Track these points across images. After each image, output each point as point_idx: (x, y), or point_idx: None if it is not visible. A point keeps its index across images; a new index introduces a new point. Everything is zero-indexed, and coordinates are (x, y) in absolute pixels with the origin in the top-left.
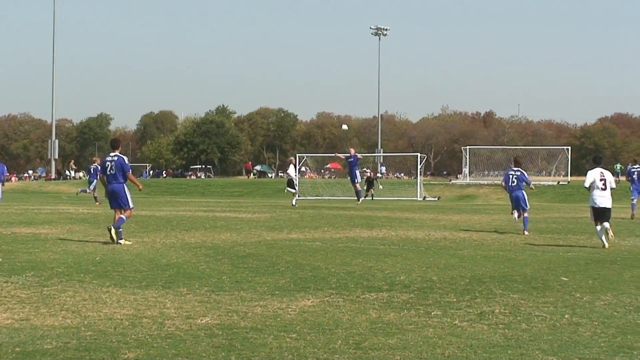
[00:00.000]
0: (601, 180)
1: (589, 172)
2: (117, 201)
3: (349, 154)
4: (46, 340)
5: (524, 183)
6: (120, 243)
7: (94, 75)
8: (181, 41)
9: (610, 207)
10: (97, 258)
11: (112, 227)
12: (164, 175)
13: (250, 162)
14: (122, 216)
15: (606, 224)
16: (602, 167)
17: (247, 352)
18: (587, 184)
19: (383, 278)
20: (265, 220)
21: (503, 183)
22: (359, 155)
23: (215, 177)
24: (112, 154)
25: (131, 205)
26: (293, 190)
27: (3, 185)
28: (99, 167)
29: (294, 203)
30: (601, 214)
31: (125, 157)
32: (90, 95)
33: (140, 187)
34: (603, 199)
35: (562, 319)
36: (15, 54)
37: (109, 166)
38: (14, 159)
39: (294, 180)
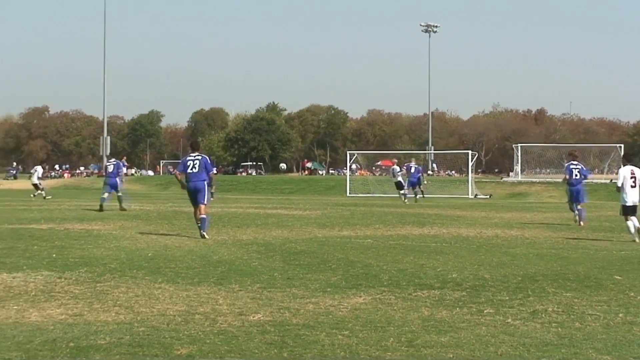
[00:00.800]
0: (631, 177)
1: (620, 170)
2: (199, 198)
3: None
4: (100, 336)
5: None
6: (205, 237)
7: (145, 73)
8: (233, 39)
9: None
10: (149, 254)
11: (203, 231)
12: (215, 172)
13: (307, 160)
14: (204, 215)
15: (635, 220)
16: (632, 165)
17: (299, 349)
18: (619, 183)
19: (435, 276)
20: (316, 217)
21: (567, 176)
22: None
23: (266, 174)
24: (194, 154)
25: (206, 202)
26: (403, 191)
27: (122, 182)
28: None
29: (406, 201)
30: (631, 210)
31: (208, 157)
32: (142, 92)
33: (214, 189)
34: (633, 196)
35: (615, 318)
36: (67, 52)
37: (191, 165)
38: (67, 155)
39: (403, 181)
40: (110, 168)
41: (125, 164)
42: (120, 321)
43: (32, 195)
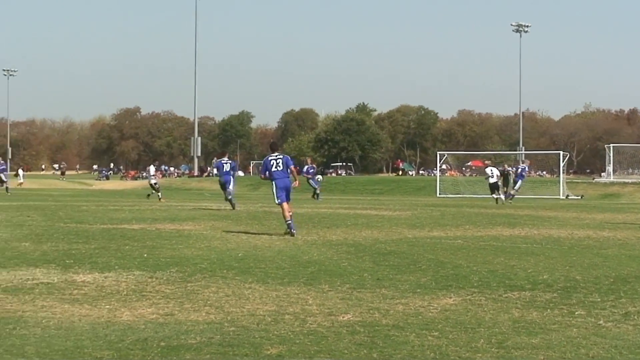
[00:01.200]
0: None
1: None
2: (288, 194)
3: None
4: (190, 335)
5: None
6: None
7: (236, 73)
8: (321, 40)
9: None
10: (239, 254)
11: (291, 226)
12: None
13: (400, 160)
14: (291, 212)
15: None
16: None
17: (389, 349)
18: None
19: (525, 277)
20: (406, 218)
21: None
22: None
23: (356, 175)
24: (274, 154)
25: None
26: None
27: (235, 183)
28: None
29: (504, 200)
30: None
31: (289, 156)
32: (232, 93)
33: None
34: None
35: None
36: (158, 53)
37: (274, 164)
38: (158, 156)
39: (498, 182)
40: (227, 167)
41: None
42: (211, 321)
43: (148, 196)
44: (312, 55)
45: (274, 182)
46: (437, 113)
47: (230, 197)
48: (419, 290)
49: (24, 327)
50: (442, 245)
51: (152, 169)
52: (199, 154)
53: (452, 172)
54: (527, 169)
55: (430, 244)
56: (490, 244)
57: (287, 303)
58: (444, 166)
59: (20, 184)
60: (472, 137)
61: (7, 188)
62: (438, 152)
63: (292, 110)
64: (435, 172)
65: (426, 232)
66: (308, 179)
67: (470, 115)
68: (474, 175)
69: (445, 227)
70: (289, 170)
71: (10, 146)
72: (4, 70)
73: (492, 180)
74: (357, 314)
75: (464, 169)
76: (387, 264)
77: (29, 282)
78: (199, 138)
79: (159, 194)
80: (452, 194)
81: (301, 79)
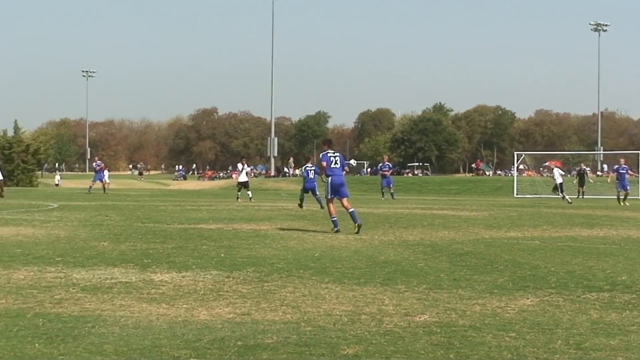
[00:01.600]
0: None
1: None
2: (344, 190)
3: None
4: (267, 335)
5: None
6: (361, 225)
7: (312, 74)
8: (396, 41)
9: None
10: (316, 254)
11: (336, 223)
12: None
13: (479, 160)
14: (352, 209)
15: None
16: None
17: (466, 350)
18: None
19: (604, 278)
20: (483, 218)
21: None
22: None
23: (432, 175)
24: (331, 151)
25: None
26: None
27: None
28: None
29: (568, 200)
30: None
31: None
32: (309, 93)
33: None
34: None
35: None
36: (236, 54)
37: (334, 161)
38: (234, 156)
39: (560, 185)
40: (311, 174)
41: (292, 164)
42: (287, 321)
43: (250, 200)
44: (388, 54)
45: (330, 178)
46: (514, 113)
47: (317, 196)
48: (496, 291)
49: (103, 325)
50: (520, 245)
51: (239, 165)
52: (276, 154)
53: (530, 172)
54: (620, 169)
55: (507, 244)
56: (568, 244)
57: (363, 303)
58: (521, 166)
59: (108, 184)
60: (550, 137)
61: (90, 187)
62: (515, 152)
63: (368, 110)
64: (512, 172)
65: (503, 232)
66: (382, 176)
67: (548, 115)
68: (551, 175)
69: (522, 227)
70: (343, 169)
71: (89, 146)
72: (83, 71)
73: (559, 181)
74: (433, 314)
75: (541, 169)
76: (464, 265)
77: (107, 281)
78: (276, 138)
79: (239, 193)
80: (529, 194)
81: (378, 79)
